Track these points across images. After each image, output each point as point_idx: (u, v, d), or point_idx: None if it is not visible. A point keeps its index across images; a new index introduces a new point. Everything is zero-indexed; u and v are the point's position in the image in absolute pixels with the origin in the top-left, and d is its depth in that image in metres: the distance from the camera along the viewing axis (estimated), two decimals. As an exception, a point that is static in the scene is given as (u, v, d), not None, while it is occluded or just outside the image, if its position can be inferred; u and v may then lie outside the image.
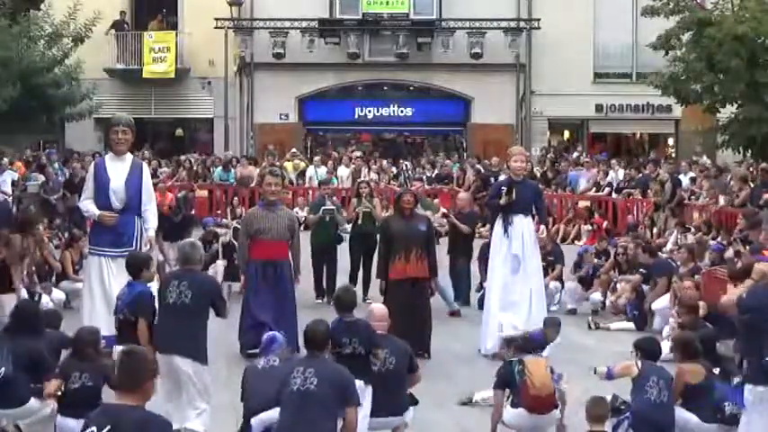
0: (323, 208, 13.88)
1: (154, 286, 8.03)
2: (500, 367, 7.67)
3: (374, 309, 7.69)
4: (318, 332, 6.44)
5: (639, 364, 7.38)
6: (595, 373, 7.80)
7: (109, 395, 7.37)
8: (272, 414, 6.45)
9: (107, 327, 8.39)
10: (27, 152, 23.11)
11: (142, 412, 4.68)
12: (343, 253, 13.88)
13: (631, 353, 7.62)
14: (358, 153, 26.65)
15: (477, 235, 15.19)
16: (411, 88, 30.22)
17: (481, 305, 11.54)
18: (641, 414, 7.06)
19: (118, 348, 7.64)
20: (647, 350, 7.54)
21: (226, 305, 7.72)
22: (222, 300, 7.71)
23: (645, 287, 12.57)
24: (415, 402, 7.46)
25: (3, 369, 7.23)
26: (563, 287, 13.62)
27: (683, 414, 7.39)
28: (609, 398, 7.70)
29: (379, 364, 7.10)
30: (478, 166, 23.66)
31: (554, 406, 7.46)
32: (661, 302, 12.03)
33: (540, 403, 7.37)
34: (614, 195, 21.98)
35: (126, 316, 7.71)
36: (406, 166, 25.21)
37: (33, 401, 7.36)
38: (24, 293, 11.01)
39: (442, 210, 19.02)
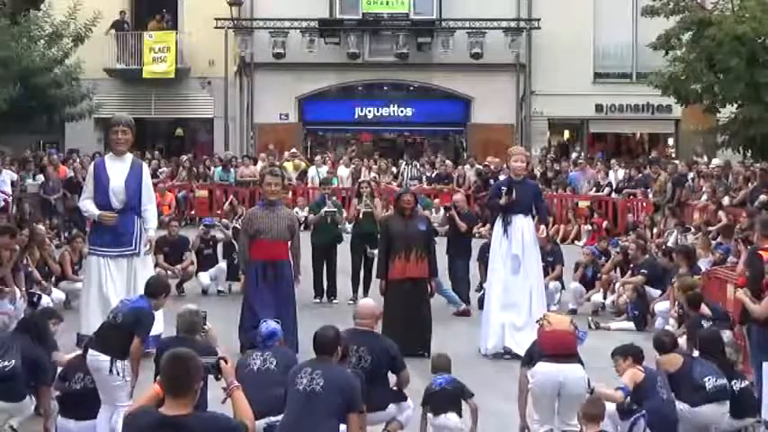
0: (324, 209, 13.88)
1: (158, 315, 7.87)
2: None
3: (361, 305, 7.66)
4: (328, 337, 6.44)
5: (641, 368, 7.46)
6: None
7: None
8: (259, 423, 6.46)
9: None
10: (27, 152, 23.08)
11: (202, 416, 4.55)
12: (343, 253, 13.88)
13: (616, 360, 7.63)
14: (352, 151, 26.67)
15: (476, 235, 15.18)
16: (411, 88, 30.16)
17: (481, 305, 11.53)
18: (659, 413, 7.20)
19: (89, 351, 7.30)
20: (637, 354, 7.65)
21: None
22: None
23: (650, 289, 12.61)
24: (403, 398, 7.42)
25: (13, 361, 7.28)
26: (563, 287, 13.63)
27: (677, 405, 7.52)
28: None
29: (354, 361, 7.05)
30: (479, 166, 23.64)
31: (575, 353, 7.28)
32: (663, 304, 12.04)
33: (557, 339, 7.29)
34: (614, 195, 21.98)
35: (116, 321, 7.36)
36: (416, 164, 25.14)
37: (28, 399, 7.42)
38: (17, 291, 11.02)
39: (446, 204, 18.95)
